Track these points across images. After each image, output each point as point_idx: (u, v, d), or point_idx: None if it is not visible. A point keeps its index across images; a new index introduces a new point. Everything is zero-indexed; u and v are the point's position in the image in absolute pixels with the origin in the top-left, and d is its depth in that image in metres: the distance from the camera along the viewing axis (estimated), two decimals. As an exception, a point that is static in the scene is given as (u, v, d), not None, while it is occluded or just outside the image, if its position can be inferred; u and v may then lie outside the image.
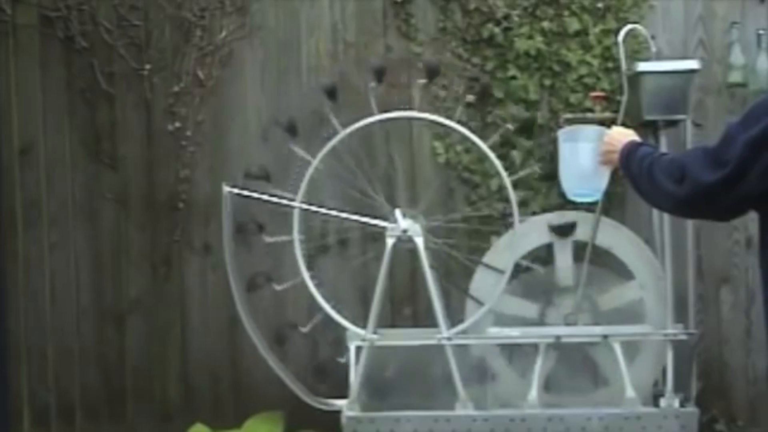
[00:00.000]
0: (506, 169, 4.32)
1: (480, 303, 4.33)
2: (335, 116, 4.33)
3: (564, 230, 4.38)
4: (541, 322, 4.40)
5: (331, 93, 4.36)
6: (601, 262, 4.39)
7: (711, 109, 4.65)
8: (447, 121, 4.36)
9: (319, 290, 4.34)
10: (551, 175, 4.43)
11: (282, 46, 4.82)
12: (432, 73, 4.40)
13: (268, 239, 4.40)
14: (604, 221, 4.35)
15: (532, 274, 4.42)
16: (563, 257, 4.37)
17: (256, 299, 4.48)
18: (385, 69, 4.38)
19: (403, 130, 4.72)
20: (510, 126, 4.48)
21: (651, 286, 4.33)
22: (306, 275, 4.31)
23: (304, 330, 4.38)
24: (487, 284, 4.35)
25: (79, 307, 4.88)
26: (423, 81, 4.41)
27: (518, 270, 4.37)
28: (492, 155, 4.30)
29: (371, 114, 4.30)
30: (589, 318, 4.37)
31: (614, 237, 4.37)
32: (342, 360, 4.32)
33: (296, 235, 4.32)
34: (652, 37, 4.42)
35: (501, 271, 4.29)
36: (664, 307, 4.26)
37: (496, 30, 4.69)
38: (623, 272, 4.39)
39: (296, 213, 4.33)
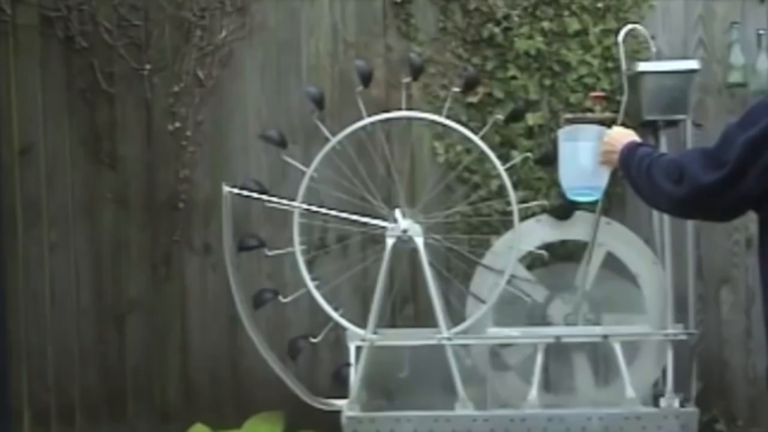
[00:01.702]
0: (506, 169, 4.32)
1: (481, 300, 4.33)
2: (334, 117, 4.34)
3: (560, 213, 4.38)
4: (544, 312, 4.41)
5: (319, 102, 4.38)
6: (610, 266, 4.39)
7: (711, 109, 4.65)
8: (447, 121, 4.36)
9: (320, 291, 4.34)
10: (546, 160, 4.42)
11: (282, 46, 4.82)
12: (471, 84, 4.40)
13: (269, 253, 4.40)
14: (624, 232, 4.36)
15: (546, 267, 4.44)
16: (591, 260, 4.37)
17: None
18: (372, 73, 4.39)
19: (403, 130, 4.72)
20: (500, 116, 4.48)
21: (651, 286, 4.33)
22: (311, 285, 4.31)
23: (315, 341, 4.38)
24: (487, 284, 4.35)
25: (79, 307, 4.88)
26: (457, 89, 4.41)
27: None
28: (492, 155, 4.30)
29: (363, 116, 4.31)
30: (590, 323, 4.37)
31: (614, 238, 4.36)
32: (314, 340, 4.35)
33: (297, 243, 4.31)
34: (652, 37, 4.42)
35: (500, 272, 4.29)
36: (665, 307, 4.26)
37: (496, 30, 4.69)
38: (625, 273, 4.39)
39: (296, 219, 4.32)
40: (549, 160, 4.33)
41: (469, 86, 4.44)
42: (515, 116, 4.51)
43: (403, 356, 4.36)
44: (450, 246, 4.48)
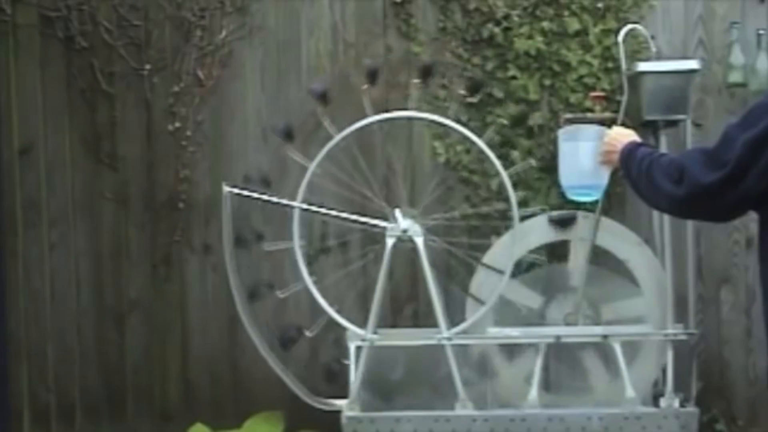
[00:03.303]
0: (506, 168, 4.32)
1: (480, 302, 4.33)
2: (333, 117, 4.34)
3: (564, 222, 4.39)
4: (542, 314, 4.41)
5: (323, 97, 4.37)
6: (601, 262, 4.39)
7: (711, 109, 4.65)
8: (447, 121, 4.36)
9: (320, 291, 4.33)
10: (549, 168, 4.43)
11: (282, 46, 4.82)
12: (477, 87, 4.41)
13: (268, 247, 4.40)
14: (605, 221, 4.36)
15: (541, 269, 4.44)
16: (576, 257, 4.37)
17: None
18: (379, 70, 4.38)
19: (402, 130, 4.72)
20: (505, 121, 4.49)
21: (652, 287, 4.33)
22: (309, 281, 4.31)
23: (310, 334, 4.38)
24: (487, 284, 4.35)
25: (79, 307, 4.88)
26: (416, 81, 4.41)
27: (521, 267, 4.40)
28: (492, 155, 4.30)
29: (367, 115, 4.30)
30: (591, 321, 4.37)
31: (614, 238, 4.37)
32: (309, 334, 4.36)
33: (297, 241, 4.31)
34: (652, 37, 4.42)
35: (501, 272, 4.29)
36: (664, 307, 4.26)
37: (496, 30, 4.69)
38: (624, 273, 4.39)
39: (296, 218, 4.31)
40: (551, 167, 4.34)
41: (475, 90, 4.45)
42: (520, 120, 4.53)
43: (400, 356, 4.36)
44: (450, 244, 4.48)
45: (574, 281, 4.38)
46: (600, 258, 4.38)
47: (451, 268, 4.55)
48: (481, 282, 4.40)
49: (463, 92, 4.49)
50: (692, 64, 4.29)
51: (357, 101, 4.41)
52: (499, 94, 4.68)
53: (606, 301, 4.38)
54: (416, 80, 4.40)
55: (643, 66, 4.24)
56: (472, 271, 4.44)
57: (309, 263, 4.38)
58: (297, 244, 4.31)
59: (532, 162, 4.51)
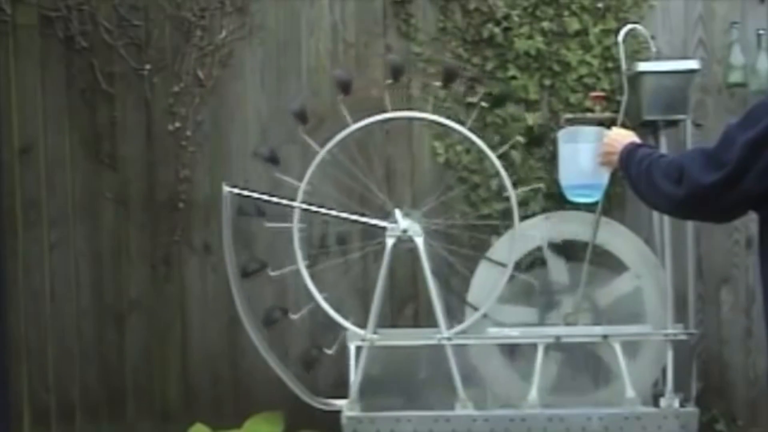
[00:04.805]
0: (505, 168, 4.32)
1: (475, 308, 4.32)
2: (335, 118, 4.33)
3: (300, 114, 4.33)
4: (541, 324, 4.41)
5: (301, 116, 4.34)
6: (599, 262, 4.39)
7: (711, 109, 4.65)
8: (447, 121, 4.36)
9: (318, 289, 4.33)
10: (538, 141, 4.49)
11: (282, 46, 4.82)
12: (451, 76, 4.38)
13: (273, 273, 4.37)
14: (565, 215, 4.37)
15: (527, 280, 4.44)
16: (555, 262, 4.39)
17: (256, 298, 4.49)
18: (351, 81, 4.34)
19: (402, 130, 4.72)
20: (485, 104, 4.49)
21: (648, 280, 4.33)
22: (319, 298, 4.28)
23: (330, 352, 4.36)
24: (488, 283, 4.35)
25: (79, 307, 4.88)
26: (389, 81, 4.37)
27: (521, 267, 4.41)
28: (492, 155, 4.30)
29: (357, 121, 4.29)
30: (590, 317, 4.37)
31: (610, 234, 4.37)
32: (329, 351, 4.35)
33: (300, 262, 4.29)
34: (652, 37, 4.42)
35: (503, 265, 4.28)
36: (664, 305, 4.26)
37: (496, 30, 4.69)
38: (622, 270, 4.39)
39: (296, 218, 4.31)
40: (539, 141, 4.42)
41: (449, 78, 4.39)
42: (500, 101, 4.53)
43: (418, 357, 4.37)
44: (450, 244, 4.47)
45: (559, 280, 4.39)
46: (600, 258, 4.39)
47: (451, 269, 4.55)
48: (482, 281, 4.40)
49: (438, 84, 4.45)
50: (692, 64, 4.29)
51: (356, 101, 4.41)
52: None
53: (599, 290, 4.38)
54: (389, 81, 4.35)
55: (643, 66, 4.24)
56: (472, 270, 4.44)
57: (309, 266, 4.37)
58: (301, 263, 4.29)
59: (520, 139, 4.51)
